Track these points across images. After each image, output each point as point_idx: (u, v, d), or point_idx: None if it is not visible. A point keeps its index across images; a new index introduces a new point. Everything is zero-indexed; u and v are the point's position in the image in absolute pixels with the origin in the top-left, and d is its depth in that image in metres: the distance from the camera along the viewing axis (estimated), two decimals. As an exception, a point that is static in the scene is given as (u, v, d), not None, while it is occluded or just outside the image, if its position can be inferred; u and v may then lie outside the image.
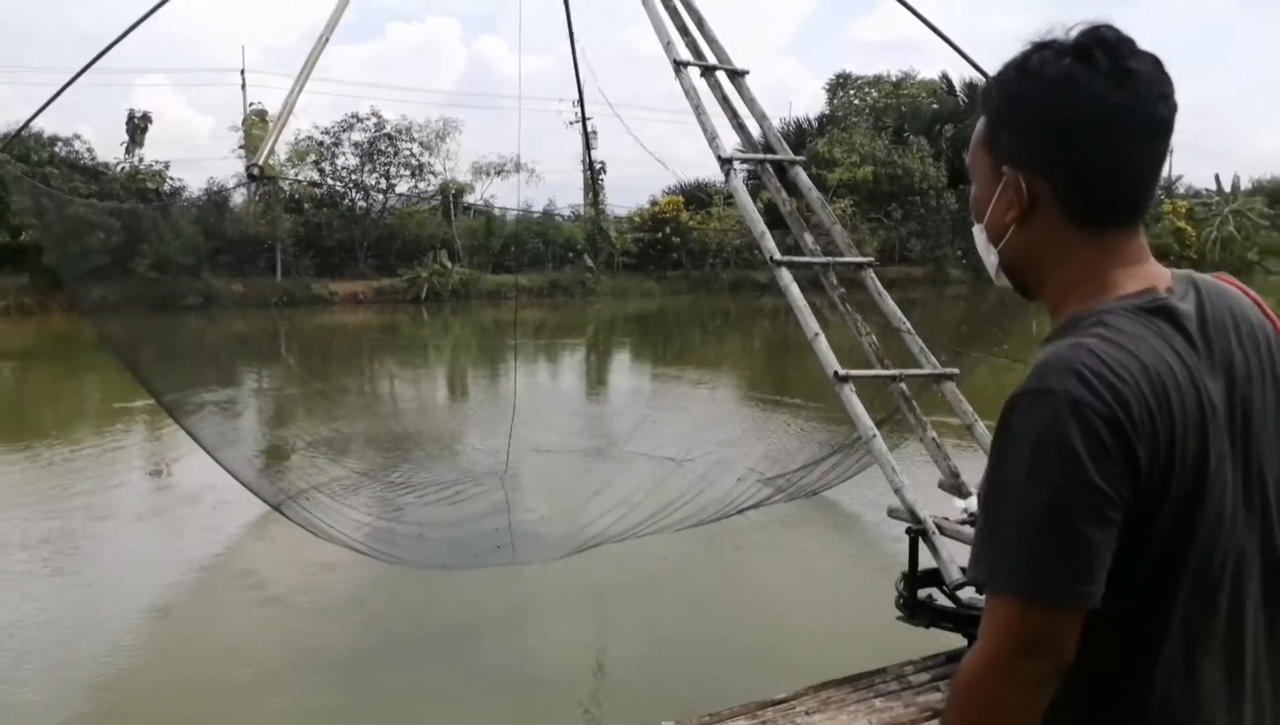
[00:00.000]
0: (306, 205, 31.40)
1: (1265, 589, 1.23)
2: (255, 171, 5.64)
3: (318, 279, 29.41)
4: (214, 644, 6.09)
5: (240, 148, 31.50)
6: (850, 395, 4.45)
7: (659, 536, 6.79)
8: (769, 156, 5.43)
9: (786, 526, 7.93)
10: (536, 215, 35.86)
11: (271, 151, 6.41)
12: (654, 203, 36.99)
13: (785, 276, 4.83)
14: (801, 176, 5.46)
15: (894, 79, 43.92)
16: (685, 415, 14.26)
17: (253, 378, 18.37)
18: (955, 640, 4.23)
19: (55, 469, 10.73)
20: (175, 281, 24.80)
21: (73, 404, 16.16)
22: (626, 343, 27.08)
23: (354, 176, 32.58)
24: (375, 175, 32.71)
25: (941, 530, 4.08)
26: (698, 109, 5.36)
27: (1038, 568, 1.10)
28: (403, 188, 33.29)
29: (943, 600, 4.17)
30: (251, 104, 32.80)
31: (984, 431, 4.58)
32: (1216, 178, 51.19)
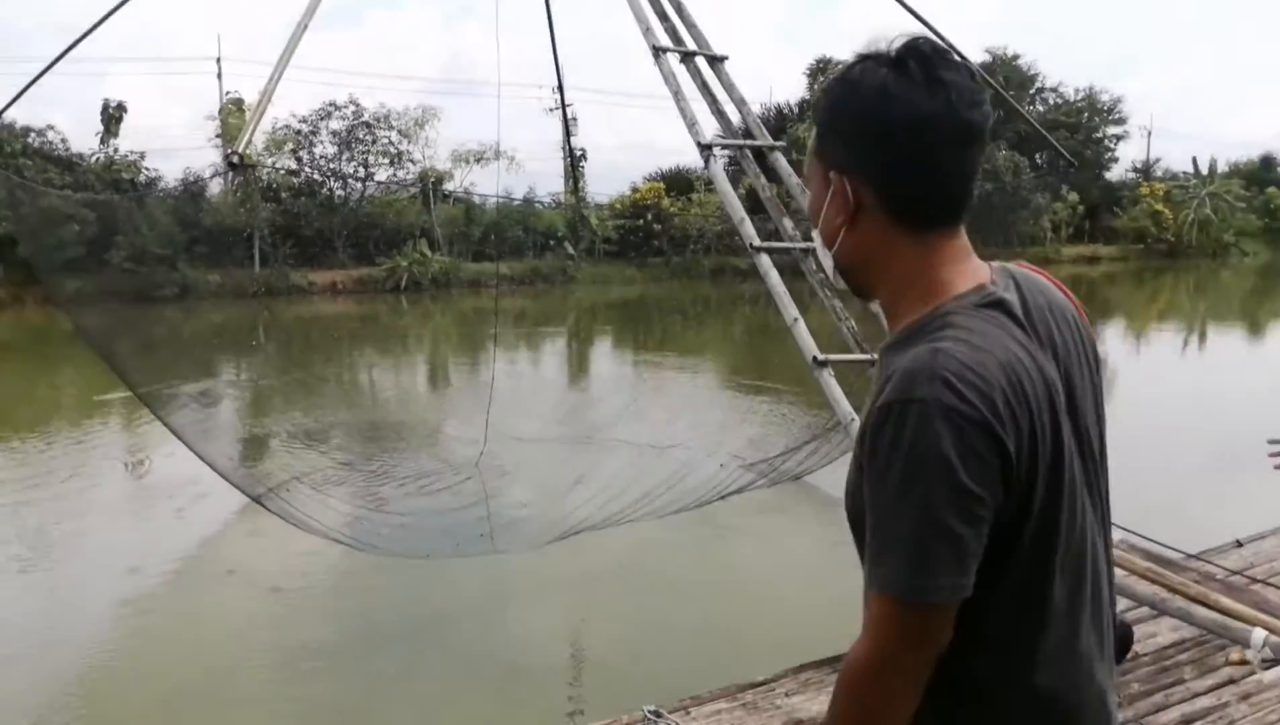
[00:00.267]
0: (284, 194, 31.15)
1: (1106, 544, 1.36)
2: (234, 160, 5.60)
3: (296, 269, 29.19)
4: (195, 636, 6.09)
5: (217, 137, 31.22)
6: (829, 380, 4.48)
7: (641, 523, 6.83)
8: (748, 142, 5.43)
9: (768, 512, 7.98)
10: (517, 203, 35.73)
11: (250, 140, 6.36)
12: (635, 189, 36.93)
13: (765, 262, 4.84)
14: (781, 162, 5.47)
15: (873, 64, 43.88)
16: (667, 402, 14.31)
17: (232, 369, 18.28)
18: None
19: (32, 463, 10.66)
20: (151, 273, 24.61)
21: (49, 398, 16.02)
22: (608, 330, 27.08)
23: (332, 165, 32.36)
24: (353, 164, 32.48)
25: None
26: (677, 95, 5.35)
27: (916, 569, 1.18)
28: (381, 176, 33.10)
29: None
30: (228, 93, 32.51)
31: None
32: (1194, 160, 51.55)
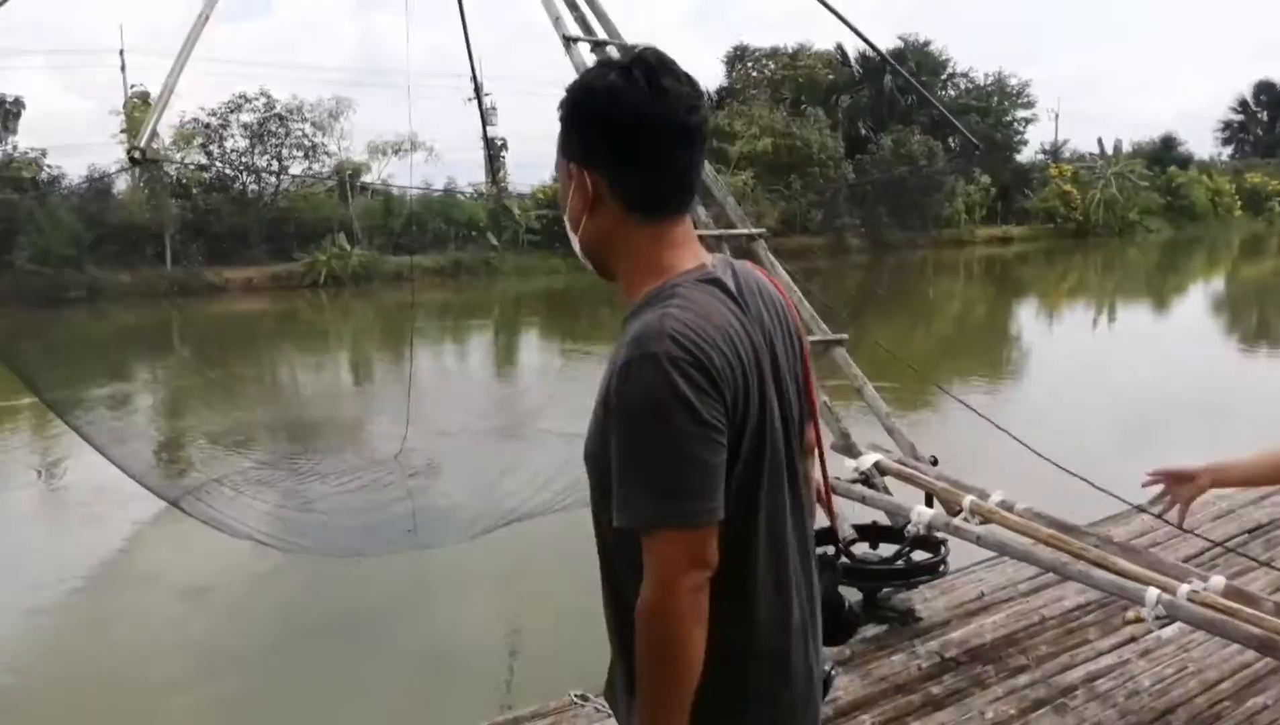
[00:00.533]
0: (195, 190, 30.30)
1: (804, 497, 1.59)
2: (136, 155, 5.44)
3: (209, 266, 28.42)
4: (109, 644, 5.94)
5: (122, 132, 30.16)
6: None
7: (572, 512, 6.85)
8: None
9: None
10: (437, 194, 35.29)
11: (154, 134, 6.17)
12: (557, 179, 36.73)
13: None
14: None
15: (790, 51, 44.37)
16: (595, 391, 14.31)
17: (145, 371, 17.77)
18: (851, 594, 4.39)
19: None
20: (57, 274, 23.75)
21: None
22: (535, 321, 26.97)
23: (244, 159, 31.56)
24: (266, 157, 31.73)
25: (835, 490, 4.21)
26: (588, 85, 5.37)
27: (679, 500, 1.36)
28: (296, 169, 32.35)
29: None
30: (133, 86, 31.49)
31: (873, 393, 4.74)
32: (1099, 141, 53.38)
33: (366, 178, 33.17)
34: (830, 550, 1.87)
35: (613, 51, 5.61)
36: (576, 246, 1.58)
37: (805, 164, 38.31)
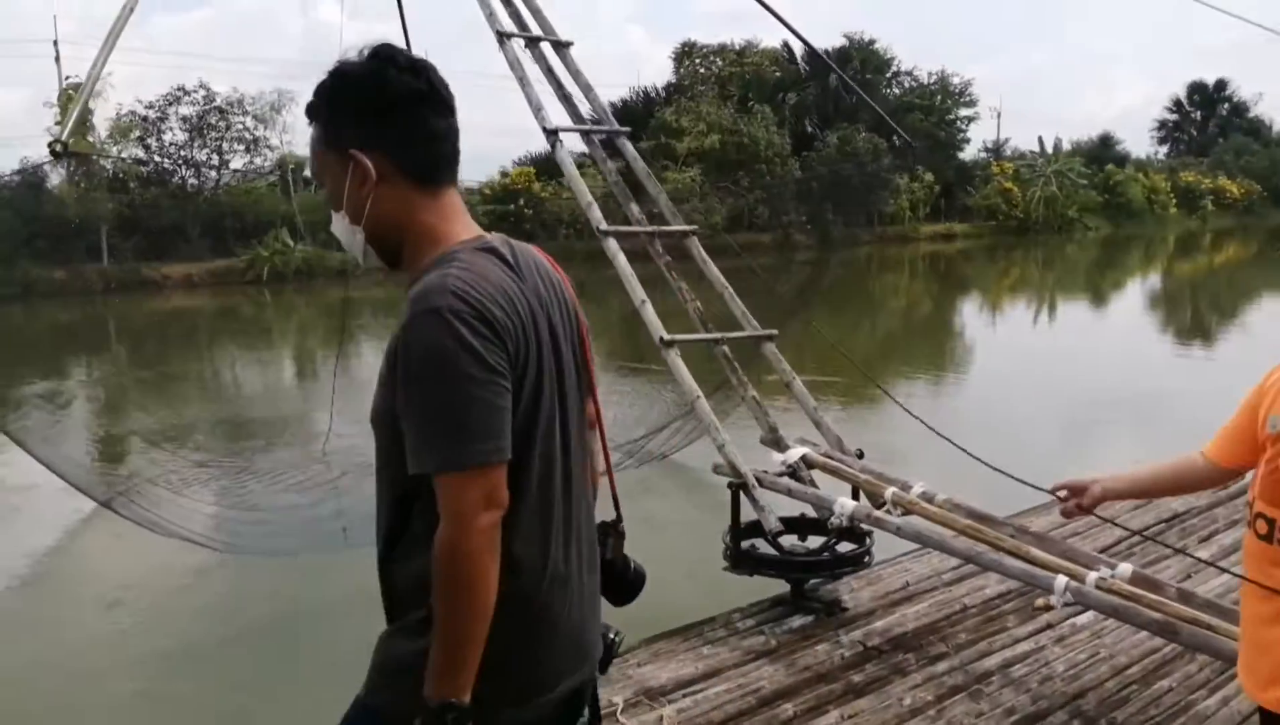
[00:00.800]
0: (132, 184, 29.62)
1: (575, 457, 1.67)
2: (58, 148, 5.31)
3: (147, 262, 27.81)
4: (35, 651, 5.81)
5: (56, 125, 29.39)
6: (676, 359, 4.59)
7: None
8: (594, 128, 5.48)
9: (634, 492, 8.09)
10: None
11: (89, 126, 6.01)
12: (505, 174, 36.55)
13: (612, 246, 4.92)
14: (628, 147, 5.54)
15: (738, 47, 44.58)
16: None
17: (80, 369, 17.38)
18: (780, 586, 4.45)
19: None
20: (-12, 270, 23.12)
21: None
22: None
23: (183, 152, 30.91)
24: (206, 151, 31.11)
25: (760, 483, 4.28)
26: (522, 81, 5.36)
27: (471, 441, 1.44)
28: (237, 163, 31.78)
29: (766, 549, 4.37)
30: (68, 77, 30.59)
31: (801, 388, 4.80)
32: (1040, 140, 54.39)
33: (309, 172, 32.66)
34: (615, 517, 1.95)
35: (546, 48, 5.62)
36: (358, 240, 1.63)
37: (752, 161, 38.53)
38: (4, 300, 22.86)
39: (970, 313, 26.45)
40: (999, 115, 62.28)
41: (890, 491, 4.09)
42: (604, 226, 4.91)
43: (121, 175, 29.68)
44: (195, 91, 30.59)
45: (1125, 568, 3.46)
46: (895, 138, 41.78)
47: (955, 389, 14.40)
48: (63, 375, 16.05)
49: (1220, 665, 3.56)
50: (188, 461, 9.11)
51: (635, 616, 5.20)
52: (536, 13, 5.71)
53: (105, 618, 6.26)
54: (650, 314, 4.67)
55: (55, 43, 33.57)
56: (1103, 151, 58.03)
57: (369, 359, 19.50)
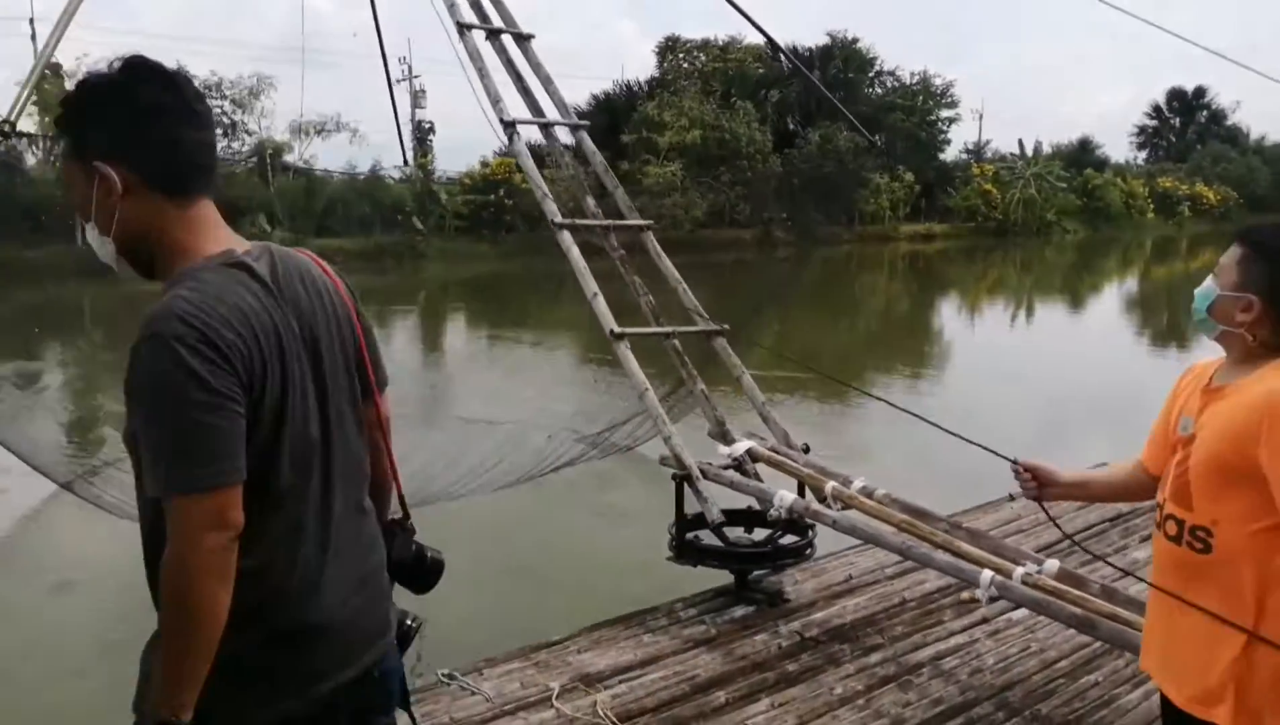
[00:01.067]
0: (108, 167, 29.35)
1: (339, 464, 1.70)
2: (5, 129, 5.28)
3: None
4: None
5: (32, 104, 29.11)
6: (626, 352, 4.64)
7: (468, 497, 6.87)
8: (552, 121, 5.52)
9: (597, 485, 8.13)
10: (362, 176, 34.77)
11: (21, 109, 5.96)
12: (485, 164, 36.46)
13: (566, 239, 4.95)
14: (586, 141, 5.59)
15: (721, 43, 44.60)
16: (523, 378, 14.35)
17: (51, 351, 17.25)
18: (729, 578, 4.51)
19: None
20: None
21: None
22: (460, 307, 26.77)
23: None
24: (184, 135, 30.88)
25: (705, 475, 4.33)
26: (481, 72, 5.38)
27: (195, 466, 1.46)
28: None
29: (713, 540, 4.42)
30: (43, 56, 30.37)
31: (750, 382, 4.86)
32: (1020, 142, 54.66)
33: (288, 158, 32.52)
34: (400, 514, 2.03)
35: (508, 40, 5.64)
36: (109, 250, 1.64)
37: (734, 157, 38.59)
38: (-21, 281, 22.62)
39: (948, 313, 26.62)
40: (980, 117, 62.65)
41: (830, 485, 4.16)
42: (559, 219, 4.95)
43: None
44: (173, 74, 30.36)
45: (1052, 564, 3.54)
46: (878, 137, 41.96)
47: (930, 387, 14.51)
48: (32, 356, 15.93)
49: (1143, 660, 3.64)
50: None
51: (582, 605, 5.27)
52: (498, 4, 5.72)
53: (55, 600, 6.25)
54: (602, 306, 4.71)
55: (31, 21, 33.13)
56: (1082, 155, 58.45)
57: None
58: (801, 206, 39.75)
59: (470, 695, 3.58)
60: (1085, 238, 49.88)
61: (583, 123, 5.56)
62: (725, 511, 4.44)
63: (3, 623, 5.92)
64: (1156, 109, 73.15)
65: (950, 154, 51.97)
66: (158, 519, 1.54)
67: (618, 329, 4.63)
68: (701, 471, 4.32)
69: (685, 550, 4.36)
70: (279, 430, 1.57)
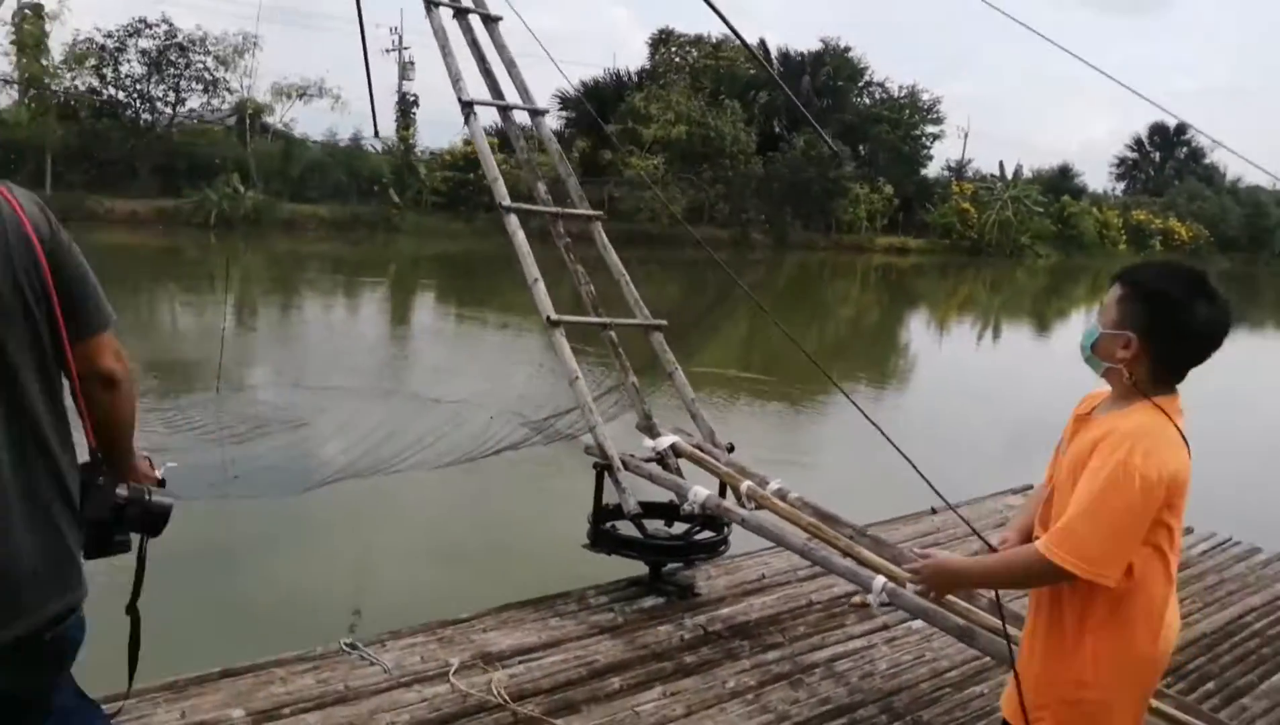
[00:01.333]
0: (84, 113, 28.98)
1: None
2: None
3: (92, 194, 27.26)
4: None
5: (11, 44, 28.68)
6: (560, 339, 4.69)
7: (406, 474, 6.90)
8: (511, 104, 5.54)
9: (540, 473, 8.17)
10: (343, 144, 34.50)
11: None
12: (467, 142, 36.30)
13: (513, 222, 5.00)
14: (543, 126, 5.63)
15: (714, 40, 44.66)
16: (473, 358, 14.36)
17: None
18: (643, 568, 4.58)
19: None
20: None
21: None
22: (430, 284, 26.67)
23: (139, 86, 30.29)
24: (163, 87, 30.52)
25: (626, 466, 4.40)
26: (444, 49, 5.40)
27: None
28: (194, 103, 31.22)
29: (632, 531, 4.50)
30: (25, -6, 29.88)
31: (682, 379, 4.93)
32: (1000, 164, 55.08)
33: (268, 119, 32.20)
34: (103, 480, 1.89)
35: (475, 21, 5.66)
36: None
37: (717, 155, 38.71)
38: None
39: (917, 328, 26.85)
40: (965, 135, 63.13)
41: (746, 485, 4.24)
42: (507, 202, 4.99)
43: (74, 103, 29.02)
44: (157, 26, 30.05)
45: (946, 575, 3.63)
46: (861, 147, 42.23)
47: (894, 398, 14.67)
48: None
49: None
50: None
51: (499, 586, 5.31)
52: (467, -17, 5.73)
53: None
54: (541, 292, 4.76)
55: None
56: (1061, 182, 58.97)
57: (310, 313, 19.39)
58: (780, 210, 39.92)
59: (369, 665, 3.63)
60: (1057, 263, 50.42)
61: (541, 109, 5.60)
62: (646, 504, 4.52)
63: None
64: (1138, 141, 73.98)
65: (932, 170, 52.43)
66: None
67: (554, 316, 4.68)
68: (624, 463, 4.38)
69: (601, 539, 4.44)
70: None
